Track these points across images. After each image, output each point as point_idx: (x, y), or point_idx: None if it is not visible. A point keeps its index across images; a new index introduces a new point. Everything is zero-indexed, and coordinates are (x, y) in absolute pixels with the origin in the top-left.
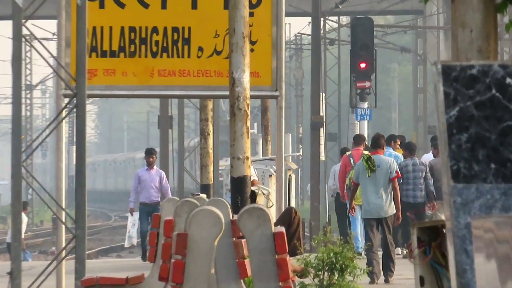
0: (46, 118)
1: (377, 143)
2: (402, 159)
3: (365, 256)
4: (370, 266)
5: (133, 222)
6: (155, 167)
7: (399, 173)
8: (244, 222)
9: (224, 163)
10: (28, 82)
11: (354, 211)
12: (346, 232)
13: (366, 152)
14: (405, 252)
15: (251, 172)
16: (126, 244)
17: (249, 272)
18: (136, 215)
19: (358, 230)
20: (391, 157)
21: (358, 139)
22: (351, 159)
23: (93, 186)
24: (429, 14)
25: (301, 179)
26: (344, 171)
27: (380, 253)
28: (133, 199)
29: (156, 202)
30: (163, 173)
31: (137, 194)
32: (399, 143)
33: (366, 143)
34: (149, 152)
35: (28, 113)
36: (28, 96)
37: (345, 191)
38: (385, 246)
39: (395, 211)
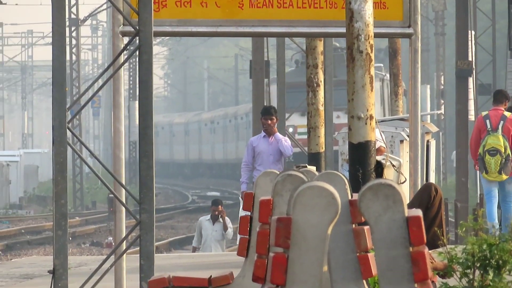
0: (99, 64)
1: None
2: None
3: None
4: None
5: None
6: (277, 133)
7: None
8: (368, 203)
9: (339, 120)
10: (73, 16)
11: None
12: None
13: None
14: None
15: (377, 137)
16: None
17: (374, 271)
18: None
19: (494, 211)
20: None
21: (499, 96)
22: (487, 121)
23: (170, 156)
24: None
25: (444, 146)
26: (477, 137)
27: None
28: (246, 179)
29: None
30: (288, 139)
31: (250, 172)
32: None
33: None
34: (267, 112)
35: (74, 58)
36: (74, 34)
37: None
38: None
39: None
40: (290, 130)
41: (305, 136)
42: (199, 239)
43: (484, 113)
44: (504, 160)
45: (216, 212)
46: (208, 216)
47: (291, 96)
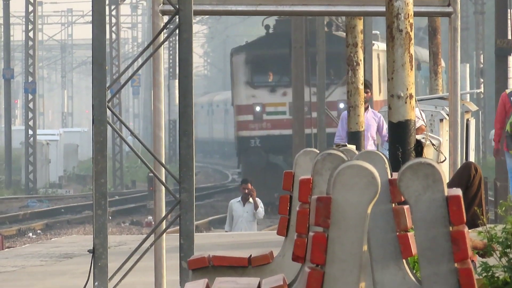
0: (138, 42)
1: None
2: None
3: None
4: None
5: None
6: (369, 108)
7: None
8: (407, 182)
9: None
10: None
11: None
12: None
13: None
14: None
15: (417, 115)
16: None
17: (413, 250)
18: None
19: None
20: None
21: None
22: None
23: (209, 134)
24: None
25: (483, 125)
26: (502, 113)
27: None
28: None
29: None
30: (382, 118)
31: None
32: None
33: None
34: (364, 85)
35: (114, 36)
36: (114, 13)
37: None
38: None
39: None
40: (258, 109)
41: (276, 117)
42: (230, 223)
43: (508, 91)
44: None
45: (246, 191)
46: (239, 198)
47: (256, 69)
